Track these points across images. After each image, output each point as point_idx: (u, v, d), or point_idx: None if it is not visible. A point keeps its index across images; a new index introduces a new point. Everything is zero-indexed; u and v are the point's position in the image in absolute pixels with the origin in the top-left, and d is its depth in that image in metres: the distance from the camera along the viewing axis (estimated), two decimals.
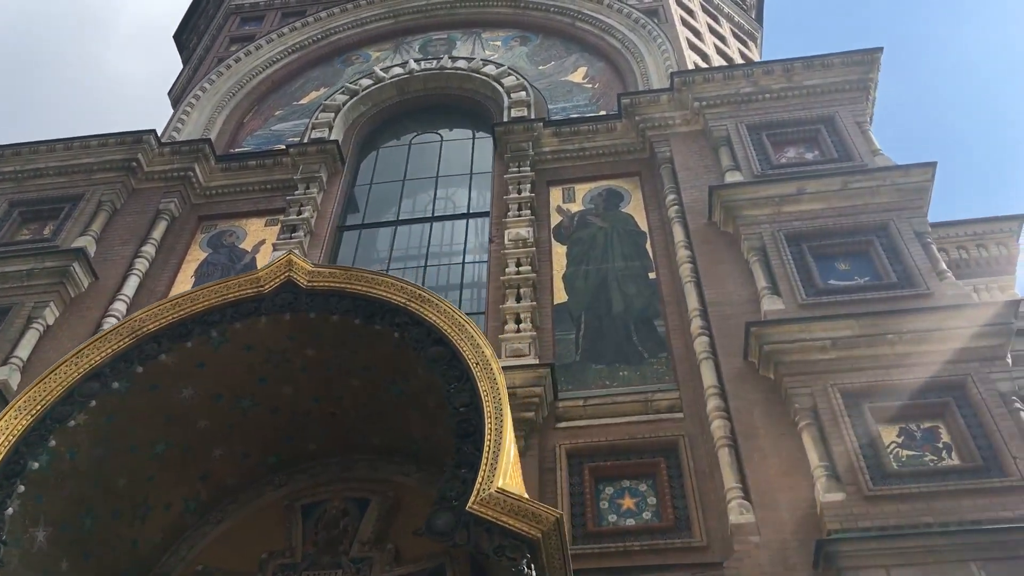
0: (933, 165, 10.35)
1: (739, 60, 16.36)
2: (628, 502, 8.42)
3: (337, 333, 6.88)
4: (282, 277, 6.87)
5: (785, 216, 10.23)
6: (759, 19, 20.32)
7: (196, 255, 12.39)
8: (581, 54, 15.36)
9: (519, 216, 11.50)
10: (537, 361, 9.37)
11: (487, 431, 5.43)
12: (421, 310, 6.46)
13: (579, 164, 12.67)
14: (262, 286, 6.86)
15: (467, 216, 12.56)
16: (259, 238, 12.43)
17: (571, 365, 9.86)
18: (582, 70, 14.94)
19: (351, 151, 13.95)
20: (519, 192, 11.95)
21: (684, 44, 14.71)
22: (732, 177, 11.02)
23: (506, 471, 5.23)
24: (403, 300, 6.54)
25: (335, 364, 7.25)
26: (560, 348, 10.08)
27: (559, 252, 11.43)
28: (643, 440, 8.78)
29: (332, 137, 13.68)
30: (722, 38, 16.85)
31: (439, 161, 13.72)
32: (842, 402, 8.07)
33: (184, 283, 11.82)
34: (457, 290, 11.40)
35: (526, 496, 5.20)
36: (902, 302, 8.94)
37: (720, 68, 12.56)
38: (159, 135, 13.93)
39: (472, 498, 5.07)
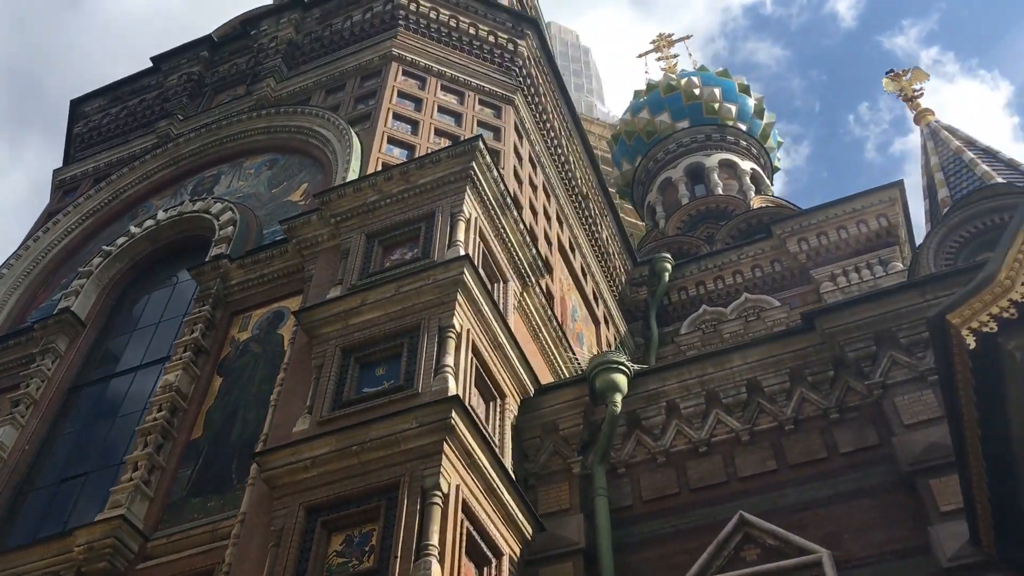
0: (465, 259, 11.18)
1: (471, 133, 17.15)
2: None
3: None
4: None
5: (351, 329, 11.24)
6: (551, 71, 21.03)
7: None
8: (309, 170, 16.64)
9: (180, 359, 12.91)
10: (125, 512, 10.66)
11: None
12: None
13: (260, 291, 13.95)
14: None
15: (164, 361, 14.05)
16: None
17: (178, 502, 11.18)
18: (303, 187, 16.21)
19: (100, 311, 15.69)
20: (191, 333, 13.37)
21: (378, 146, 15.76)
22: (334, 292, 12.11)
23: None
24: None
25: None
26: (177, 486, 11.43)
27: (215, 386, 12.78)
28: (192, 572, 10.02)
29: (79, 303, 15.46)
30: (458, 116, 17.73)
31: (166, 307, 15.31)
32: (303, 519, 9.09)
33: None
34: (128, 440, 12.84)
35: None
36: (391, 406, 9.86)
37: (352, 182, 13.55)
38: None
39: None
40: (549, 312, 14.93)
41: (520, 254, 13.73)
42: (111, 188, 18.75)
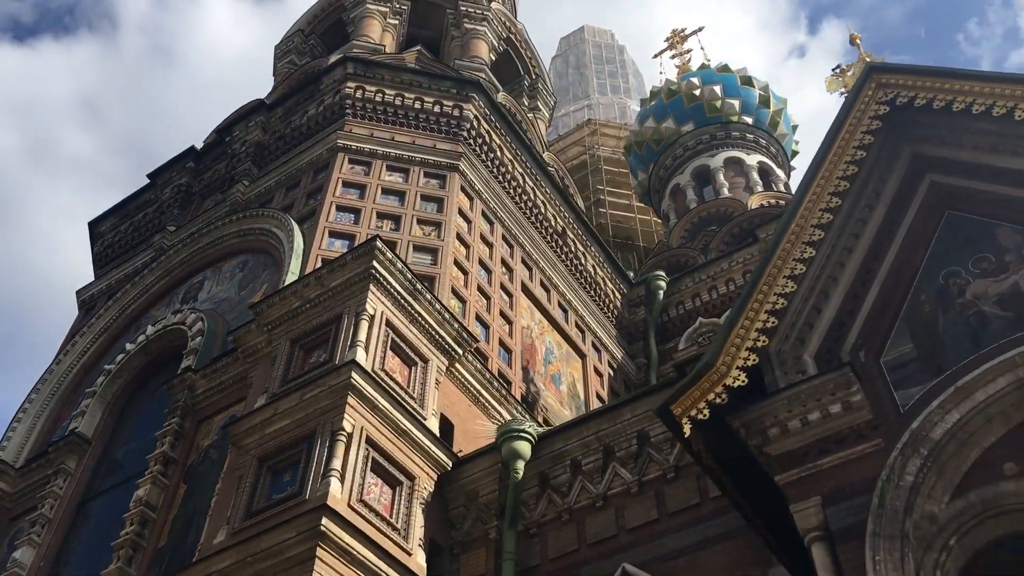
0: (352, 364, 12.33)
1: (414, 210, 18.37)
2: None
3: None
4: None
5: (266, 438, 12.56)
6: (503, 125, 21.96)
7: None
8: (270, 270, 18.06)
9: (151, 472, 14.54)
10: None
11: None
12: None
13: (220, 397, 15.46)
14: None
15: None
16: None
17: None
18: (264, 288, 17.67)
19: (104, 427, 17.56)
20: (161, 446, 14.99)
21: (318, 242, 17.11)
22: (260, 401, 13.47)
23: None
24: None
25: None
26: None
27: (180, 493, 14.35)
28: None
29: (85, 422, 17.38)
30: (402, 195, 18.89)
31: (155, 417, 17.01)
32: None
33: None
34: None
35: None
36: (285, 513, 11.12)
37: (278, 292, 14.85)
38: None
39: None
40: (488, 375, 15.93)
41: (441, 331, 14.79)
42: (117, 305, 20.70)
